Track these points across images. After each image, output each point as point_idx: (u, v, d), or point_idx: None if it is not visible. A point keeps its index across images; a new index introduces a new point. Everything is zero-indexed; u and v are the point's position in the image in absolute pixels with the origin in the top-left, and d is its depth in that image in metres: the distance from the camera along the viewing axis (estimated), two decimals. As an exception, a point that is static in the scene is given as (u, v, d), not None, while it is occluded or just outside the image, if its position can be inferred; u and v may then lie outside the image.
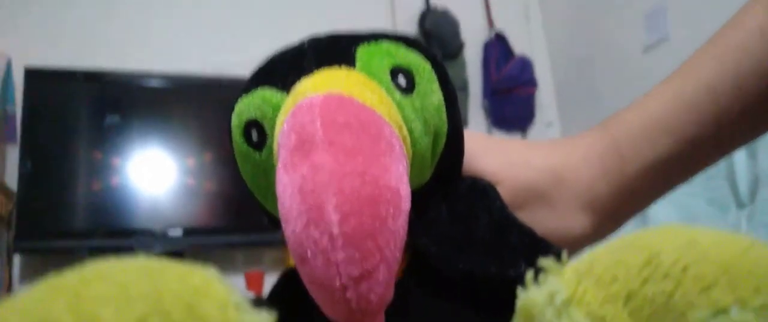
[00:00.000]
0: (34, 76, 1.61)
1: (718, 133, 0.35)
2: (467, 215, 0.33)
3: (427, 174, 0.33)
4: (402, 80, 0.31)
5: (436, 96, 0.32)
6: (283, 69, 0.32)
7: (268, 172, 0.31)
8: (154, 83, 1.75)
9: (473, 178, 0.36)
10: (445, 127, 0.33)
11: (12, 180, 1.56)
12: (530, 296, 0.22)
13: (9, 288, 1.50)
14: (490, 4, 2.39)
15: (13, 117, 1.64)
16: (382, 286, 0.26)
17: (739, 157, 1.26)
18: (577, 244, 0.37)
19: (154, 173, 1.65)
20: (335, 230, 0.25)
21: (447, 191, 0.35)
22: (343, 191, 0.26)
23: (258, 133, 0.31)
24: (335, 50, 0.32)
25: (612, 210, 0.37)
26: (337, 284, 0.25)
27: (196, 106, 1.78)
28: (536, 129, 2.33)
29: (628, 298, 0.19)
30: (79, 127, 1.65)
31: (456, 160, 0.35)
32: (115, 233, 1.58)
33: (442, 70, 0.34)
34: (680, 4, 1.89)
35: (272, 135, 0.30)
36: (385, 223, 0.26)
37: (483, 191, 0.35)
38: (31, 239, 1.51)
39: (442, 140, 0.33)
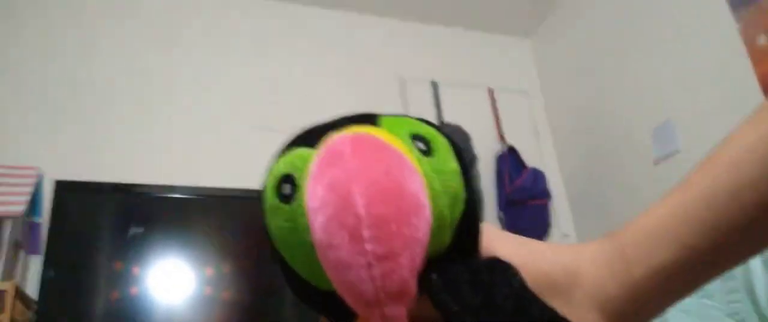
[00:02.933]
0: (63, 188, 1.67)
1: (718, 243, 0.36)
2: (489, 283, 0.34)
3: (447, 238, 0.33)
4: (421, 145, 0.34)
5: (453, 164, 0.34)
6: (316, 132, 0.34)
7: (296, 222, 0.32)
8: (178, 195, 1.80)
9: (494, 256, 0.36)
10: (462, 193, 0.34)
11: (33, 290, 1.58)
12: None
13: None
14: (500, 120, 2.47)
15: (39, 228, 1.68)
16: (406, 271, 0.27)
17: (756, 267, 1.25)
18: None
19: (172, 283, 1.66)
20: (362, 211, 0.27)
21: (467, 260, 0.35)
22: (368, 182, 0.28)
23: (290, 186, 0.32)
24: (362, 117, 0.36)
25: (622, 313, 0.38)
26: (363, 261, 0.27)
27: (216, 217, 1.82)
28: (553, 241, 2.33)
29: None
30: (102, 238, 1.68)
31: (474, 228, 0.36)
32: (133, 343, 1.57)
33: (457, 147, 0.36)
34: (687, 118, 1.95)
35: (302, 185, 0.31)
36: (408, 217, 0.28)
37: (504, 266, 0.35)
38: (47, 350, 1.50)
39: (461, 206, 0.34)
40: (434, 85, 2.44)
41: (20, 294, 1.50)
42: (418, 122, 0.36)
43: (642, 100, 2.14)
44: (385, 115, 0.36)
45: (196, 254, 1.71)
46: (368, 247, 0.27)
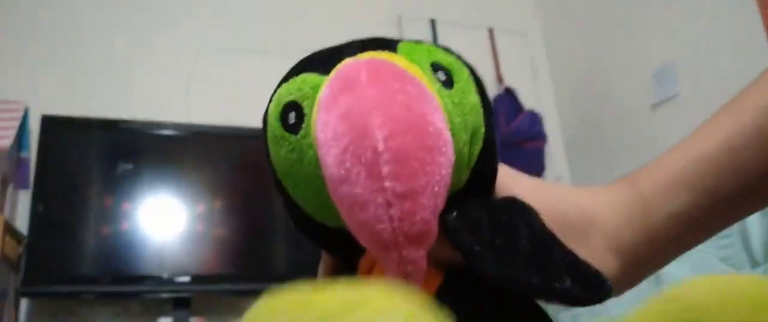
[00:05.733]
0: (50, 123, 1.64)
1: (738, 188, 0.36)
2: (509, 225, 0.32)
3: (464, 176, 0.32)
4: (441, 75, 0.31)
5: (474, 97, 0.32)
6: (326, 57, 0.31)
7: (302, 154, 0.29)
8: (167, 132, 1.77)
9: (511, 197, 0.34)
10: (482, 130, 0.32)
11: (22, 224, 1.57)
12: None
13: (13, 334, 1.49)
14: (499, 60, 2.43)
15: (27, 163, 1.66)
16: (427, 211, 0.25)
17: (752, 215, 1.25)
18: None
19: (163, 220, 1.65)
20: (381, 146, 0.24)
21: (485, 200, 0.33)
22: (388, 114, 0.25)
23: (296, 115, 0.30)
24: (377, 42, 0.32)
25: (637, 258, 0.37)
26: (381, 199, 0.24)
27: (207, 154, 1.80)
28: (545, 183, 2.33)
29: None
30: (91, 174, 1.66)
31: (491, 168, 0.34)
32: (123, 279, 1.58)
33: (479, 79, 0.34)
34: (689, 62, 1.91)
35: (310, 114, 0.29)
36: (431, 154, 0.25)
37: (523, 207, 0.33)
38: (38, 284, 1.51)
39: (479, 143, 0.32)
40: (433, 24, 2.39)
41: (10, 228, 1.50)
42: (438, 50, 0.33)
43: (643, 42, 2.10)
44: (404, 41, 0.32)
45: (187, 190, 1.70)
46: (387, 184, 0.24)
